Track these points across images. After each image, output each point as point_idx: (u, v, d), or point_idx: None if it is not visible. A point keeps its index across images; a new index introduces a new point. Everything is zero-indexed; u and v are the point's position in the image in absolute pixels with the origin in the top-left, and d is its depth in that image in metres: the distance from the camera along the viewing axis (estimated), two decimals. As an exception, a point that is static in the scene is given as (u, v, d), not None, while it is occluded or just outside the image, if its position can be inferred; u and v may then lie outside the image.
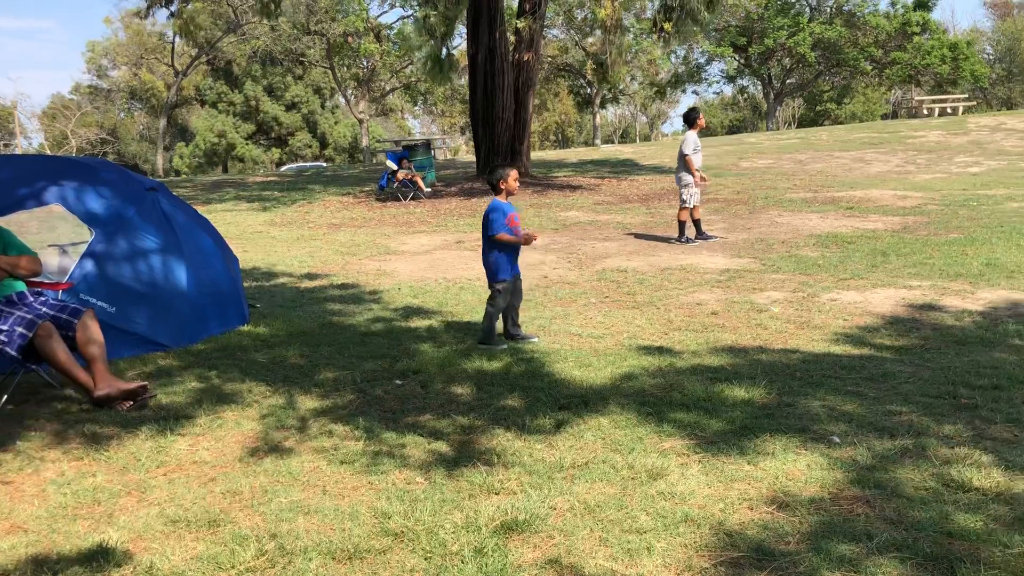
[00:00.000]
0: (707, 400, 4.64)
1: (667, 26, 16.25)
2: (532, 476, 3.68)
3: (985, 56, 56.50)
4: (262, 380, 5.32)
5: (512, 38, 18.19)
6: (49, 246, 6.37)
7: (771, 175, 19.12)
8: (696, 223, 11.02)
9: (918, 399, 4.61)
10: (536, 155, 27.41)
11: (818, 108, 59.91)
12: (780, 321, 6.71)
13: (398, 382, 5.23)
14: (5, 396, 4.90)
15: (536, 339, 6.24)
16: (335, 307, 7.75)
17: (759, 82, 49.79)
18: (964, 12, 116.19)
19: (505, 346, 6.05)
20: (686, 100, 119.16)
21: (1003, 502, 3.29)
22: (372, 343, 6.27)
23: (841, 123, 54.48)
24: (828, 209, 13.46)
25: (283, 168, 43.01)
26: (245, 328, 6.78)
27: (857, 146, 24.70)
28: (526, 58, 18.26)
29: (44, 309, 4.94)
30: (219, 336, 6.47)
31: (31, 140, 68.39)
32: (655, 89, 46.43)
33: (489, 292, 6.26)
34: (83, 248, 5.98)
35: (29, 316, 4.79)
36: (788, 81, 48.70)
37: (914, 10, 41.34)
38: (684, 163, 10.68)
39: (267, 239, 12.68)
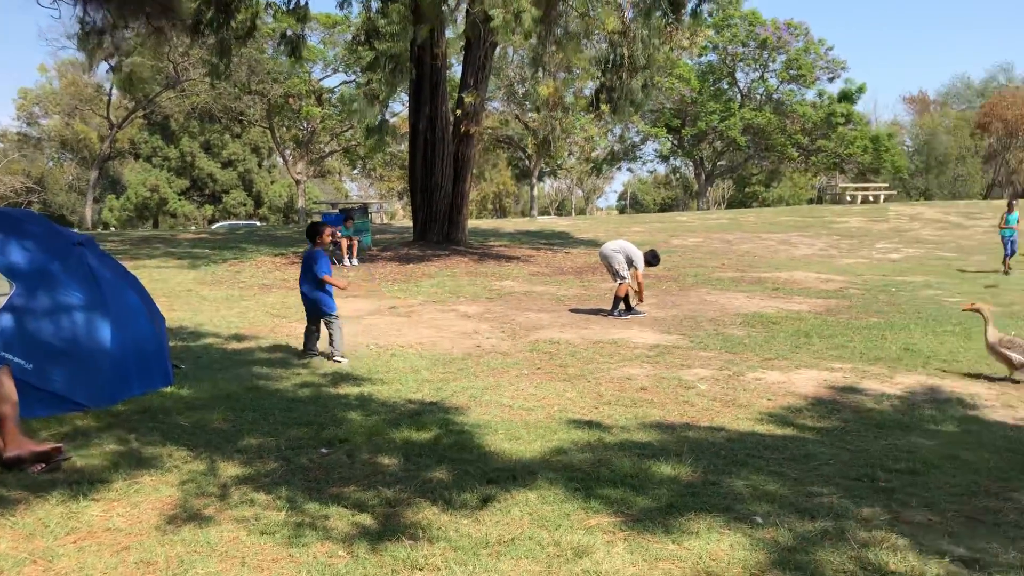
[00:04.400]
0: (634, 476, 4.67)
1: (604, 107, 16.70)
2: (457, 552, 3.64)
3: (904, 148, 59.29)
4: (183, 444, 5.18)
5: (457, 109, 18.46)
6: (-35, 298, 6.15)
7: (700, 253, 19.60)
8: (626, 298, 11.22)
9: (838, 481, 4.71)
10: (473, 223, 27.63)
11: (747, 190, 61.91)
12: (707, 399, 6.82)
13: (324, 451, 5.15)
14: (-93, 455, 4.67)
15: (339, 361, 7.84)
16: (262, 370, 7.62)
17: (691, 163, 51.26)
18: (886, 106, 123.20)
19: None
20: (621, 176, 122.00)
21: (917, 586, 3.36)
22: (299, 409, 6.17)
23: (768, 206, 56.38)
24: (755, 289, 13.82)
25: (215, 226, 42.44)
26: (168, 389, 6.60)
27: (783, 228, 25.53)
28: (470, 131, 18.52)
29: (-44, 364, 4.75)
30: (141, 397, 6.29)
31: (-50, 184, 66.39)
32: (591, 165, 47.60)
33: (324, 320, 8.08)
34: (2, 302, 5.80)
35: (-61, 371, 4.60)
36: (719, 163, 50.27)
37: (839, 102, 43.30)
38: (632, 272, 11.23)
39: (196, 298, 12.44)
